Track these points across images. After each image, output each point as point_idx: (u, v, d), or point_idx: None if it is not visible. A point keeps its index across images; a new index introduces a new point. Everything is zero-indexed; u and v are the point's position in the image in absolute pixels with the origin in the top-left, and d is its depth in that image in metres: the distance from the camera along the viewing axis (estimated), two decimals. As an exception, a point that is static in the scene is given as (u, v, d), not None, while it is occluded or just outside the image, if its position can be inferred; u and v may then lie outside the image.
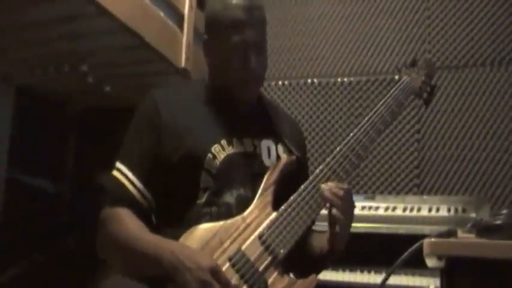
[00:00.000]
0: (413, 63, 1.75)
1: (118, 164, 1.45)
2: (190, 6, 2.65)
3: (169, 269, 1.24)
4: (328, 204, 1.37)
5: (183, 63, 2.58)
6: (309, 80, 3.20)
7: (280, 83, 3.26)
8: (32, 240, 2.87)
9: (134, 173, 1.42)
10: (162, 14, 2.45)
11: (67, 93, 3.06)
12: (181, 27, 2.61)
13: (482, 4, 2.93)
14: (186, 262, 1.23)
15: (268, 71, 1.61)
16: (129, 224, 1.37)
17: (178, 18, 2.61)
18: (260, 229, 1.35)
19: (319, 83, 3.18)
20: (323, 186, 1.38)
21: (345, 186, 1.40)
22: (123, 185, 1.41)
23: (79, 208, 3.15)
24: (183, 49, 2.59)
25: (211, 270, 1.22)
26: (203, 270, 1.21)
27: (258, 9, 1.49)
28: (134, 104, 1.55)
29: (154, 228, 1.41)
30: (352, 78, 3.12)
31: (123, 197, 1.41)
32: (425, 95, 1.73)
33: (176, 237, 1.33)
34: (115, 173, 1.44)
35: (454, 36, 2.95)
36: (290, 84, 3.24)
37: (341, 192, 1.37)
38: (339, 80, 3.14)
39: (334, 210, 1.36)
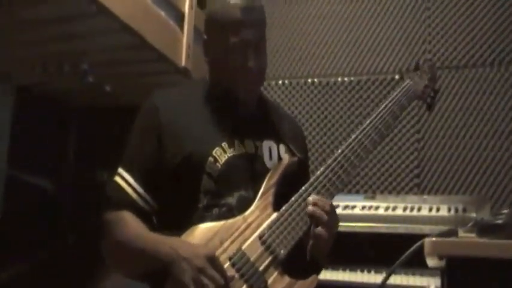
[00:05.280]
0: (417, 68, 1.75)
1: (120, 170, 1.46)
2: (191, 5, 2.65)
3: (167, 262, 1.25)
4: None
5: (183, 63, 2.58)
6: (310, 80, 3.20)
7: (280, 82, 3.26)
8: (32, 239, 2.87)
9: (135, 178, 1.42)
10: (162, 13, 2.45)
11: (67, 93, 3.06)
12: (181, 26, 2.61)
13: (482, 4, 2.93)
14: (182, 253, 1.24)
15: (269, 70, 1.62)
16: (131, 224, 1.39)
17: (179, 18, 2.61)
18: (261, 229, 1.35)
19: (320, 83, 3.18)
20: (309, 199, 1.38)
21: (329, 202, 1.39)
22: (124, 190, 1.42)
23: (79, 207, 3.15)
24: (183, 48, 2.58)
25: (208, 257, 1.23)
26: (199, 258, 1.22)
27: (256, 10, 1.48)
28: (134, 103, 1.55)
29: (156, 232, 1.41)
30: (352, 78, 3.12)
31: (124, 202, 1.41)
32: (428, 99, 1.72)
33: (177, 239, 1.33)
34: (117, 178, 1.45)
35: (454, 36, 2.95)
36: (290, 83, 3.24)
37: (327, 207, 1.37)
38: (339, 79, 3.14)
39: (317, 226, 1.36)
